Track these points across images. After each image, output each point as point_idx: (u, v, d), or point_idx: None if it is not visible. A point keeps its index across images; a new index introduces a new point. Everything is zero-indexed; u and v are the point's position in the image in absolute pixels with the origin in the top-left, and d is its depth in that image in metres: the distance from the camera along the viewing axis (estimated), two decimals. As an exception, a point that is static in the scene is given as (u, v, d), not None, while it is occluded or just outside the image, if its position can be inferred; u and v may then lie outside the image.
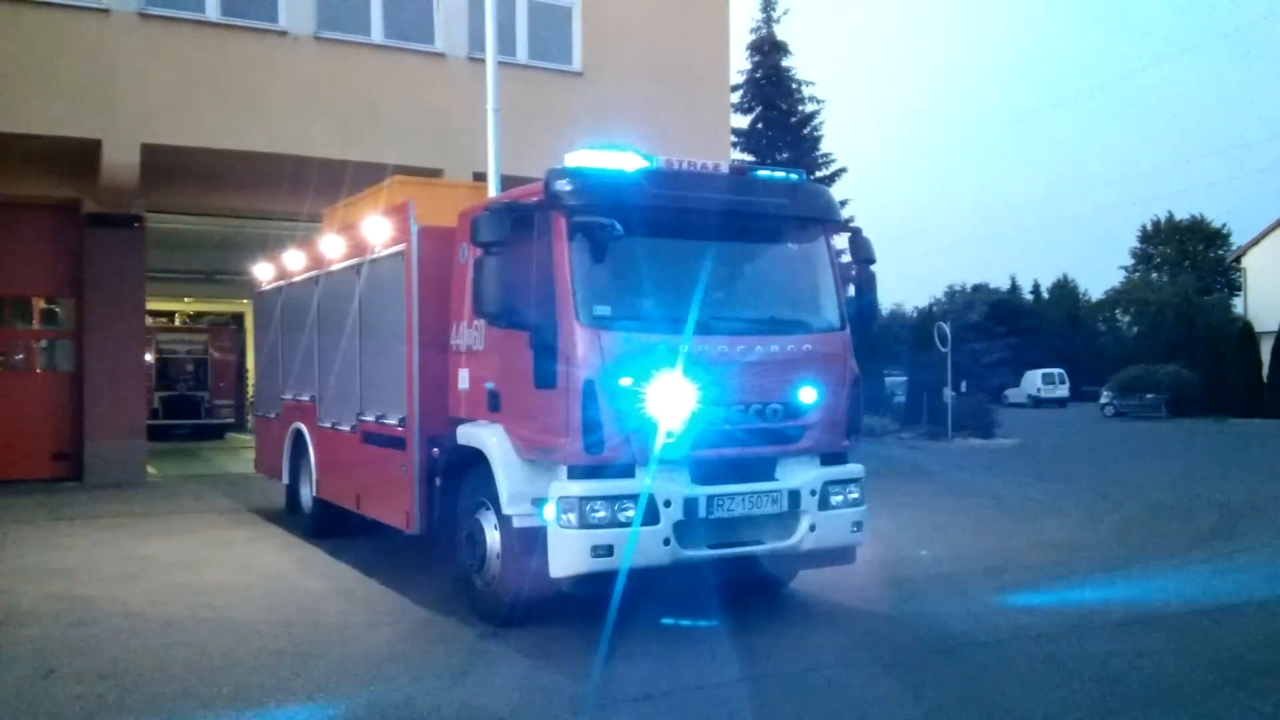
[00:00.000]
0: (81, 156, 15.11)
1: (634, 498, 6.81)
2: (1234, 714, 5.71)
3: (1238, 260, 54.03)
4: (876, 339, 34.08)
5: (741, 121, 36.17)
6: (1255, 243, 50.78)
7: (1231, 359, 39.73)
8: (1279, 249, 47.94)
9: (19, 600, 8.38)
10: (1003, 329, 60.29)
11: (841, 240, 8.56)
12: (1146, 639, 7.21)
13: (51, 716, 5.63)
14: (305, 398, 11.52)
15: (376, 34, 16.60)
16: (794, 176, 7.92)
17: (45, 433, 16.61)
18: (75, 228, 16.52)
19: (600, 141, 7.35)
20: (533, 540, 7.04)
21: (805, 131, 37.03)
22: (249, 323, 26.64)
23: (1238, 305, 54.03)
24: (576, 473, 6.86)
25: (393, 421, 9.04)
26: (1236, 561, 10.20)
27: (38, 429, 16.54)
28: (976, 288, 63.81)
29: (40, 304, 17.64)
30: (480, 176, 11.29)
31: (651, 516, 6.83)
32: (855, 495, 7.77)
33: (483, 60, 11.31)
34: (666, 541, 6.87)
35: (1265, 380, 38.83)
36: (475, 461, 7.70)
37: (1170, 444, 27.67)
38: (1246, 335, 40.48)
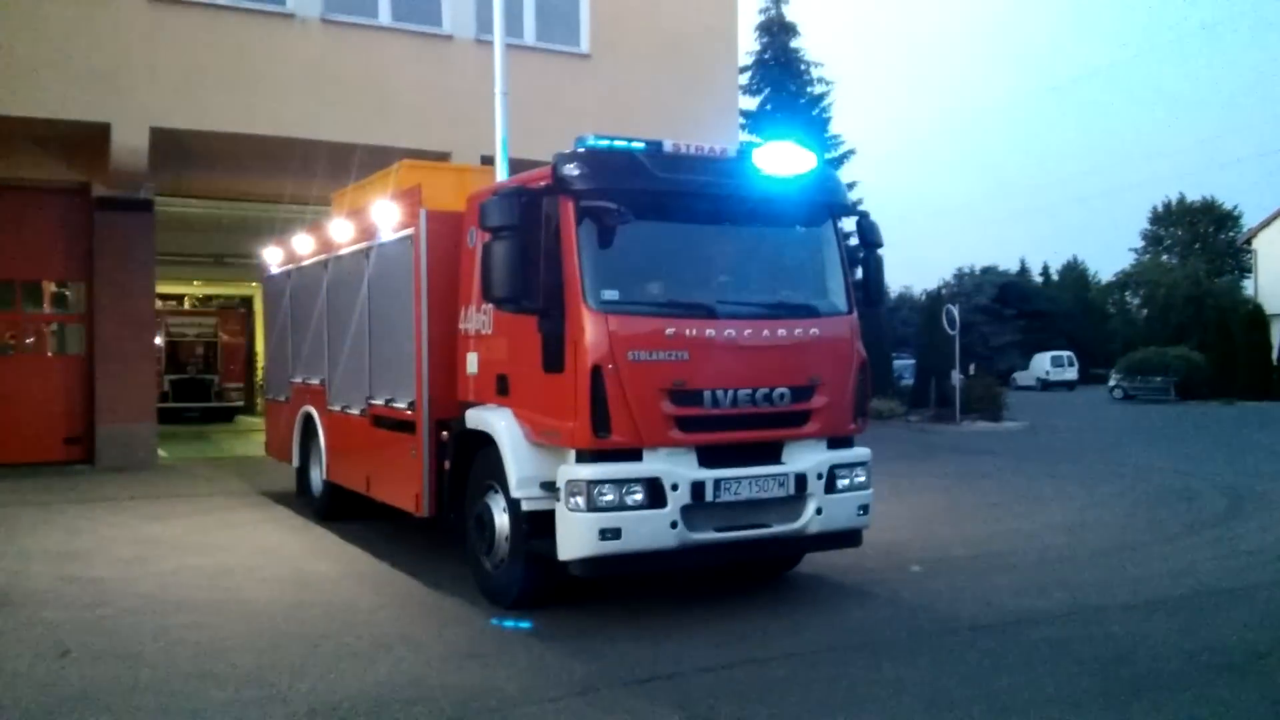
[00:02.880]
0: (91, 140, 15.15)
1: (641, 481, 6.86)
2: (1238, 697, 5.73)
3: (1248, 242, 53.83)
4: (884, 322, 34.08)
5: (750, 103, 36.11)
6: (1266, 225, 50.58)
7: (1241, 342, 39.58)
8: (1290, 231, 47.75)
9: (33, 582, 8.47)
10: (1011, 311, 60.26)
11: (849, 223, 8.57)
12: (1151, 622, 7.24)
13: (66, 697, 5.71)
14: (315, 381, 11.57)
15: (384, 16, 16.58)
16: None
17: (56, 416, 16.70)
18: (85, 211, 16.57)
19: (607, 136, 7.33)
20: (541, 523, 7.09)
21: (814, 113, 36.93)
22: (258, 306, 26.73)
23: (1248, 287, 53.84)
24: (584, 456, 6.90)
25: (402, 405, 9.09)
26: (1242, 544, 10.21)
27: (49, 412, 16.63)
28: (985, 270, 63.70)
29: (51, 288, 17.70)
30: (488, 160, 11.30)
31: (659, 500, 6.88)
32: (862, 479, 7.81)
33: (490, 42, 11.30)
34: (674, 524, 6.92)
35: (1275, 363, 38.71)
36: (484, 445, 7.75)
37: (1178, 427, 27.63)
38: (1256, 318, 40.32)
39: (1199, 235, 69.20)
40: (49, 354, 17.55)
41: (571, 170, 6.98)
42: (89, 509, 12.29)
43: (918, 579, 8.66)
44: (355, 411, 10.31)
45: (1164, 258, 68.93)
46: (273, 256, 13.43)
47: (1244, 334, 39.66)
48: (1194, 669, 6.21)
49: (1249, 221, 60.39)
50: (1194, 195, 70.06)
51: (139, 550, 9.81)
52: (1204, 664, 6.31)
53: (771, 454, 7.46)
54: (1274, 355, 38.94)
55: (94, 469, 16.09)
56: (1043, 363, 55.78)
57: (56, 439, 16.60)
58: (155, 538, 10.47)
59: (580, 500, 6.77)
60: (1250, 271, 53.87)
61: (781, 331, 7.43)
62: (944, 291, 52.53)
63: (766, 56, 36.95)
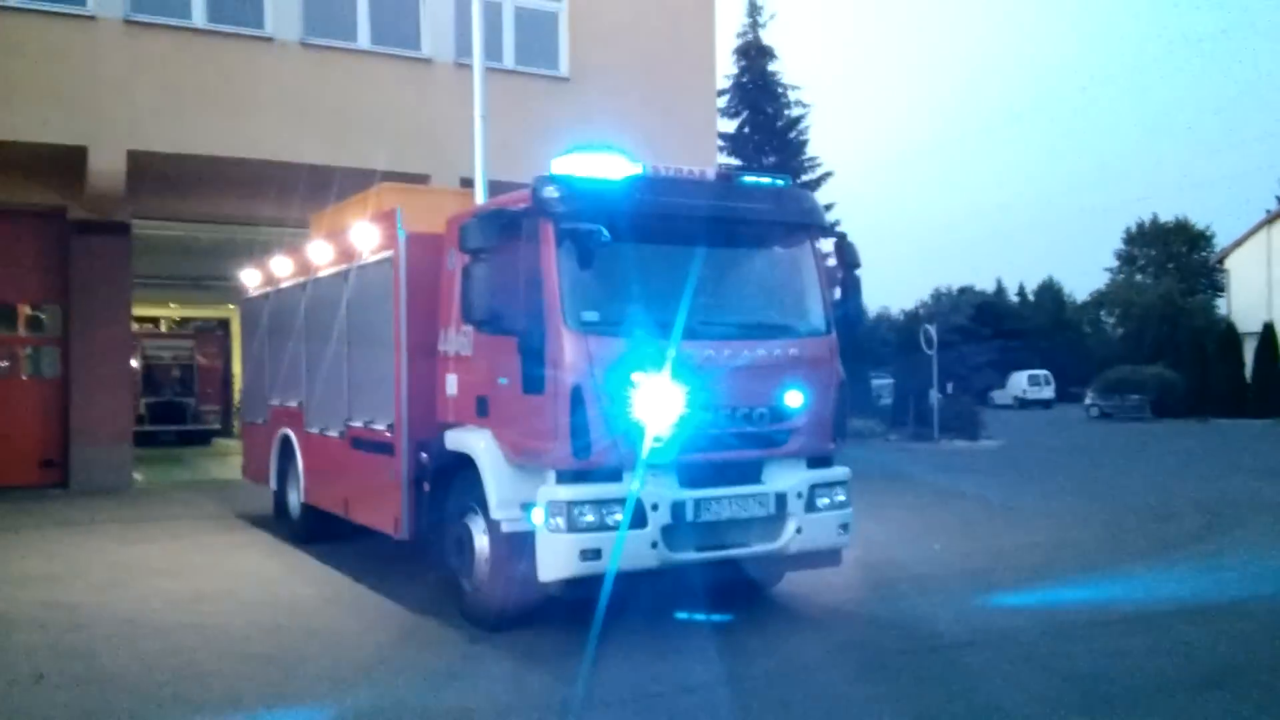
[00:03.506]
0: (68, 163, 15.08)
1: (622, 501, 6.86)
2: (1214, 714, 5.78)
3: (1221, 262, 54.41)
4: (863, 341, 34.22)
5: (728, 126, 36.28)
6: (1238, 244, 51.14)
7: (1215, 360, 40.04)
8: (1262, 251, 48.30)
9: (8, 606, 8.37)
10: (988, 331, 60.49)
11: (827, 244, 8.63)
12: (1128, 639, 7.29)
13: (42, 723, 5.66)
14: (293, 403, 11.52)
15: (363, 39, 16.61)
16: (780, 182, 7.99)
17: (32, 439, 16.53)
18: (62, 234, 16.45)
19: (587, 143, 7.39)
20: (521, 544, 7.08)
21: (791, 135, 37.14)
22: (235, 328, 26.58)
23: (1221, 307, 54.39)
24: (564, 477, 6.91)
25: (381, 427, 9.06)
26: (1218, 561, 10.30)
27: (24, 436, 16.46)
28: (962, 290, 64.12)
29: (26, 310, 17.54)
30: (467, 182, 11.34)
31: (639, 520, 6.89)
32: (841, 498, 7.84)
33: (469, 66, 11.36)
34: (654, 545, 6.92)
35: (1248, 381, 39.11)
36: (463, 466, 7.74)
37: (1154, 445, 27.84)
38: (1230, 336, 40.81)
39: (1172, 255, 69.92)
40: (24, 377, 17.38)
41: (551, 193, 7.01)
42: (64, 532, 12.17)
43: (896, 597, 8.68)
44: (333, 433, 10.27)
45: (1138, 277, 69.60)
46: (250, 279, 13.39)
47: (1218, 353, 40.12)
48: (1170, 685, 6.26)
49: (1221, 241, 61.14)
50: (1167, 216, 70.94)
51: (115, 574, 9.72)
52: (1180, 680, 6.36)
53: (751, 474, 7.48)
54: (1247, 373, 39.33)
55: (69, 492, 15.93)
56: (1020, 381, 56.21)
57: (31, 462, 16.43)
58: (131, 561, 10.38)
59: (560, 521, 6.77)
60: (1223, 291, 54.42)
61: (761, 352, 7.47)
62: (921, 311, 52.72)
63: (744, 80, 37.16)
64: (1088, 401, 45.86)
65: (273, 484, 12.30)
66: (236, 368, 24.26)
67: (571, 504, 6.76)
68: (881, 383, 38.45)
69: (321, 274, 10.67)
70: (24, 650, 7.06)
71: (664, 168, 7.49)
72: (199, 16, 15.45)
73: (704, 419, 7.17)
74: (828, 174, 37.31)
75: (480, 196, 10.14)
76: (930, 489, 17.21)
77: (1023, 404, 54.60)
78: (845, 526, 7.85)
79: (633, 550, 6.86)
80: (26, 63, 14.39)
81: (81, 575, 9.70)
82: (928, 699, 5.98)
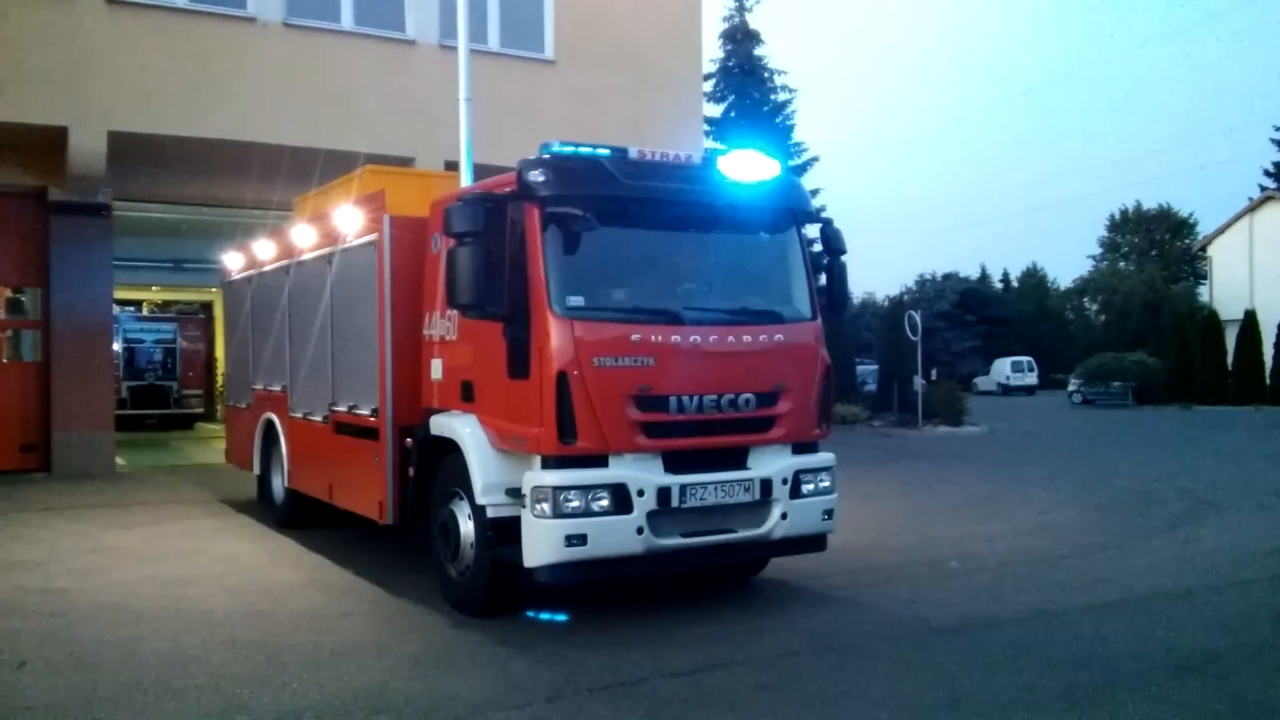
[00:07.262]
0: (48, 144, 14.93)
1: (607, 487, 6.86)
2: (1197, 699, 5.81)
3: (1204, 249, 54.70)
4: (848, 328, 34.31)
5: (714, 110, 36.31)
6: (1221, 232, 51.43)
7: (1197, 347, 40.29)
8: (1244, 238, 48.60)
9: (-12, 592, 8.32)
10: (972, 317, 60.95)
11: (813, 230, 8.63)
12: (1111, 625, 7.33)
13: (25, 708, 5.61)
14: (276, 388, 11.47)
15: (346, 20, 16.48)
16: (768, 166, 7.94)
17: (12, 424, 16.40)
18: (42, 216, 16.30)
19: (571, 143, 7.34)
20: (506, 530, 7.07)
21: (777, 120, 37.17)
22: (218, 311, 26.42)
23: (1204, 294, 54.70)
24: (550, 462, 6.89)
25: (365, 412, 9.03)
26: (1200, 547, 10.37)
27: (4, 420, 16.33)
28: (947, 276, 64.40)
29: (6, 293, 17.35)
30: (452, 165, 11.26)
31: (624, 505, 6.88)
32: (826, 484, 7.85)
33: (454, 47, 11.27)
34: (640, 530, 6.92)
35: (1230, 368, 39.40)
36: (448, 452, 7.72)
37: (1136, 431, 28.01)
38: (1212, 323, 41.04)
39: (1155, 242, 70.14)
40: (4, 360, 17.20)
41: (536, 176, 6.98)
42: (46, 517, 12.10)
43: (880, 583, 8.71)
44: (317, 418, 10.22)
45: (1121, 264, 69.81)
46: (233, 262, 13.30)
47: (1200, 339, 40.36)
48: (1152, 671, 6.29)
49: (1204, 229, 61.38)
50: (1150, 203, 71.16)
51: (97, 559, 9.67)
52: (1162, 666, 6.40)
53: (737, 459, 7.48)
54: (1229, 360, 39.61)
55: (50, 477, 15.83)
56: (1003, 368, 56.47)
57: (12, 446, 16.31)
58: (114, 546, 10.33)
59: (546, 507, 6.75)
60: (1206, 278, 54.72)
61: (747, 338, 7.46)
62: (906, 298, 53.07)
63: (730, 64, 37.15)
64: (1070, 388, 46.10)
65: (256, 469, 12.26)
66: (219, 351, 24.11)
67: (557, 489, 6.75)
68: (866, 369, 38.57)
69: (305, 257, 10.60)
70: (7, 636, 7.02)
71: (650, 151, 7.45)
72: (181, -5, 15.29)
73: (690, 404, 7.16)
74: (813, 159, 37.43)
75: (465, 179, 10.07)
76: (915, 475, 17.28)
77: (1006, 390, 54.84)
78: (830, 512, 7.87)
79: (618, 536, 6.86)
80: (6, 42, 14.22)
81: (64, 560, 9.64)
82: (912, 685, 6.00)
